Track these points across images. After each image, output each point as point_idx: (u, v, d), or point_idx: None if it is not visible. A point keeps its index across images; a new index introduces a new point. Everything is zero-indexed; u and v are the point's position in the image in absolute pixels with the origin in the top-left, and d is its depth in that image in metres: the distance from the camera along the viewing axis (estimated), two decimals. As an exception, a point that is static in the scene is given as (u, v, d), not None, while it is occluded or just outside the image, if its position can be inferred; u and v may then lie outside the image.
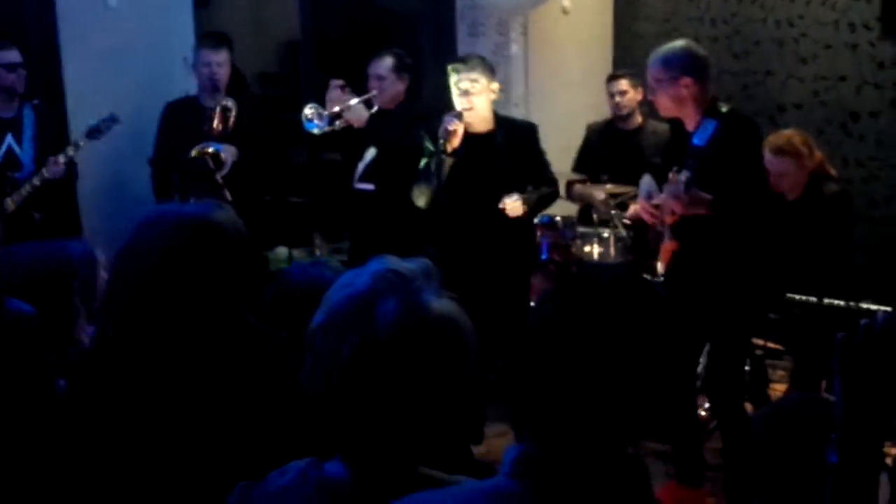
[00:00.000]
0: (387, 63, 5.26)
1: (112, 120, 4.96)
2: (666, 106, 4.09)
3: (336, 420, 1.49)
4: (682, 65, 4.02)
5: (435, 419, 1.49)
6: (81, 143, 4.93)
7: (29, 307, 2.15)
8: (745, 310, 4.13)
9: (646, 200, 4.33)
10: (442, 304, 1.50)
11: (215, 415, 1.94)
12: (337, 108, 4.91)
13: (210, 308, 1.97)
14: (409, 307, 1.46)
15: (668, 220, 4.14)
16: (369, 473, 1.49)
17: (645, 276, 4.74)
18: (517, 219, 4.63)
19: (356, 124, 4.99)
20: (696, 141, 4.05)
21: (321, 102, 4.98)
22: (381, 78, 5.23)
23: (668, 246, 4.22)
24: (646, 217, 4.37)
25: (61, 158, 4.83)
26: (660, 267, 4.45)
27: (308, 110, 4.88)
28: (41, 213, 4.83)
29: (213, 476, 1.89)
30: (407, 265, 1.54)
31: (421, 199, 4.65)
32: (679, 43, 4.19)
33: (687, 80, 3.99)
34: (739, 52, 6.51)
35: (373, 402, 1.45)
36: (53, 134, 5.10)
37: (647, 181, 4.40)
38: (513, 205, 4.58)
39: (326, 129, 4.90)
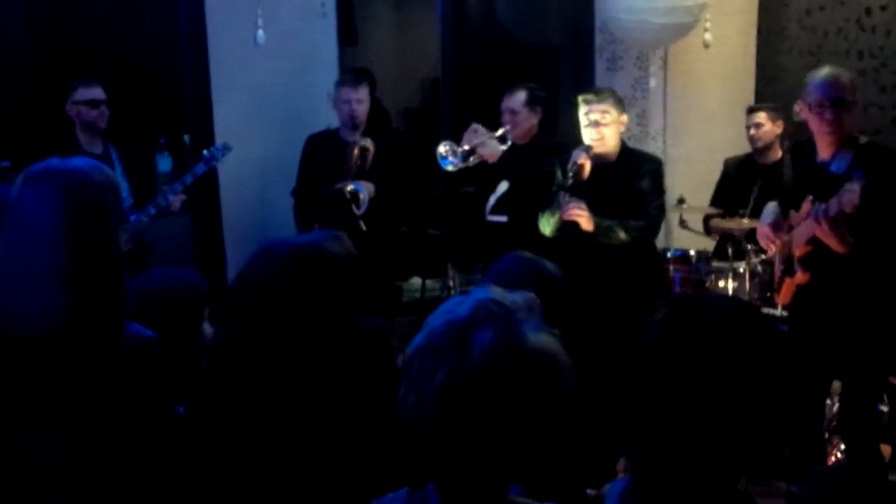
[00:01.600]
0: (520, 97, 5.30)
1: (225, 148, 5.11)
2: (845, 127, 3.94)
3: (427, 447, 1.49)
4: (854, 90, 3.98)
5: (525, 451, 1.47)
6: (198, 171, 5.06)
7: (150, 332, 2.20)
8: (881, 346, 3.98)
9: (769, 227, 4.23)
10: (540, 339, 1.48)
11: (318, 442, 1.98)
12: (469, 146, 4.98)
13: (320, 338, 2.00)
14: (505, 338, 1.45)
15: (800, 251, 4.03)
16: (460, 499, 1.49)
17: (774, 311, 4.66)
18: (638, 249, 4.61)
19: (490, 159, 5.04)
20: (833, 169, 3.94)
21: (459, 137, 5.06)
22: (514, 112, 5.28)
23: (796, 279, 4.09)
24: (764, 243, 4.29)
25: (178, 188, 4.97)
26: (780, 300, 4.31)
27: (443, 147, 4.97)
28: (152, 254, 4.94)
29: (305, 498, 1.94)
30: (510, 297, 1.54)
31: (547, 227, 4.67)
32: (841, 69, 4.10)
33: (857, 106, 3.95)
34: (887, 86, 6.30)
35: (462, 430, 1.44)
36: (140, 169, 5.21)
37: (772, 207, 4.30)
38: (577, 211, 4.51)
39: (460, 165, 4.98)
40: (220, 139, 5.71)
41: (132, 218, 4.91)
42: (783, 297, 4.24)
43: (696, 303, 1.46)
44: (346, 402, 2.03)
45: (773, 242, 4.22)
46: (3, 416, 2.06)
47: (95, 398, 2.08)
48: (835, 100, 3.89)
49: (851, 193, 3.63)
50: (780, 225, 4.21)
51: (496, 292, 1.55)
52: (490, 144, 5.03)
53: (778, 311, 4.68)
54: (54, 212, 2.09)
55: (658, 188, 4.72)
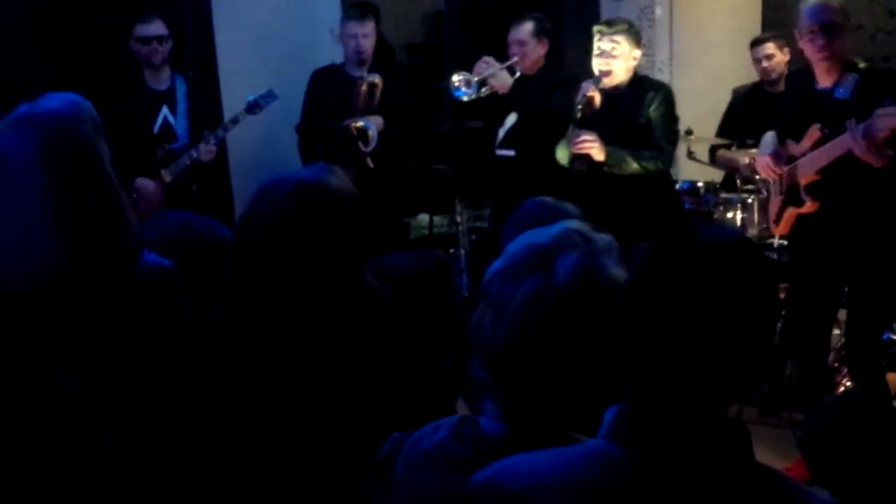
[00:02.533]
0: (527, 28, 5.26)
1: (270, 96, 5.08)
2: (841, 50, 3.92)
3: (501, 364, 1.52)
4: (845, 14, 3.95)
5: (594, 382, 1.49)
6: (241, 119, 5.06)
7: (166, 261, 2.20)
8: (889, 274, 3.98)
9: (770, 157, 4.19)
10: (619, 272, 1.52)
11: (334, 375, 1.99)
12: (484, 75, 4.96)
13: (327, 271, 2.01)
14: (589, 264, 1.50)
15: (806, 179, 4.01)
16: (527, 433, 1.51)
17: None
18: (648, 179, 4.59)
19: (501, 91, 5.01)
20: (838, 94, 3.92)
21: (465, 70, 5.03)
22: (522, 43, 5.23)
23: (804, 208, 4.05)
24: (767, 173, 4.26)
25: (212, 140, 4.96)
26: (779, 230, 4.30)
27: (456, 77, 4.94)
28: (198, 184, 5.00)
29: (329, 433, 1.95)
30: (592, 232, 1.58)
31: (564, 158, 4.66)
32: None
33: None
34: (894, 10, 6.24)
35: (538, 347, 1.47)
36: (205, 102, 5.26)
37: (770, 137, 4.26)
38: (589, 142, 4.49)
39: (474, 96, 4.95)
40: (223, 77, 5.70)
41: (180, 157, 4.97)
42: (783, 227, 4.23)
43: (679, 231, 1.46)
44: (362, 333, 2.04)
45: (775, 172, 4.18)
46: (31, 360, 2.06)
47: (113, 331, 2.08)
48: (824, 24, 3.89)
49: (893, 117, 3.57)
50: (780, 155, 4.18)
51: (580, 224, 1.59)
52: (500, 75, 4.99)
53: (776, 241, 4.69)
54: (29, 157, 2.05)
55: (669, 115, 4.68)
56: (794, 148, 4.12)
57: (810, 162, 4.00)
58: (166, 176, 4.93)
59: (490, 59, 5.05)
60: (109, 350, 2.08)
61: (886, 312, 4.18)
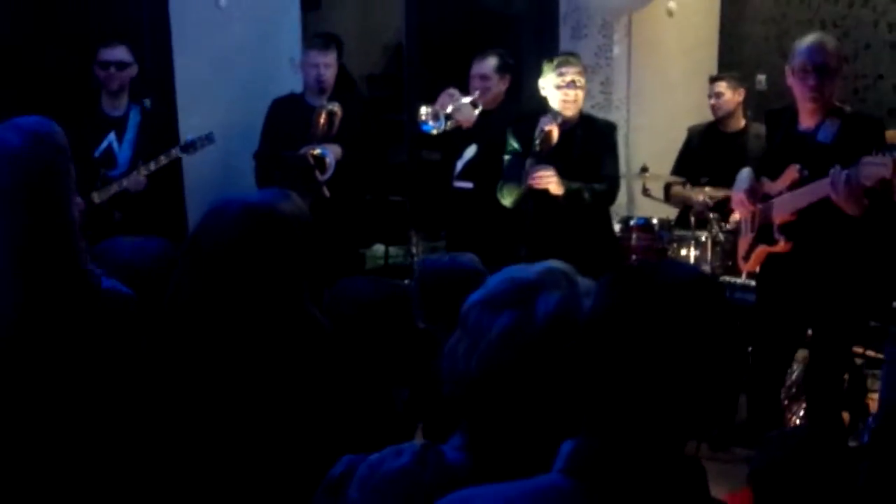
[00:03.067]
0: (490, 63, 5.30)
1: (208, 139, 5.06)
2: (829, 94, 3.92)
3: (472, 394, 1.51)
4: (839, 58, 3.97)
5: (562, 416, 1.48)
6: (174, 155, 5.02)
7: (127, 289, 2.19)
8: (853, 317, 4.02)
9: (744, 194, 4.19)
10: None
11: (269, 402, 1.97)
12: (450, 108, 4.97)
13: (268, 296, 2.00)
14: (570, 306, 1.50)
15: (780, 219, 4.02)
16: (490, 464, 1.50)
17: (736, 279, 4.70)
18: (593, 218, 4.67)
19: (465, 124, 5.03)
20: (820, 138, 3.94)
21: (423, 103, 5.04)
22: (485, 78, 5.28)
23: (776, 247, 4.06)
24: (740, 209, 4.28)
25: (151, 166, 4.92)
26: (747, 267, 4.33)
27: (423, 111, 4.92)
28: (138, 212, 4.91)
29: (264, 461, 1.93)
30: (576, 275, 1.58)
31: (507, 198, 4.72)
32: (829, 36, 4.14)
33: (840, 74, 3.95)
34: (850, 55, 6.35)
35: (510, 384, 1.47)
36: (156, 134, 5.20)
37: (746, 174, 4.26)
38: (546, 176, 4.52)
39: (442, 129, 4.95)
40: (181, 103, 5.66)
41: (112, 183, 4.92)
42: (752, 263, 4.24)
43: (640, 267, 1.47)
44: (301, 361, 2.02)
45: (748, 209, 4.20)
46: None
47: (76, 359, 2.07)
48: (819, 66, 3.87)
49: (881, 167, 3.54)
50: (755, 191, 4.18)
51: (565, 266, 1.59)
52: (465, 109, 5.01)
53: (741, 279, 4.73)
54: None
55: (615, 152, 4.82)
56: (769, 186, 4.12)
57: (787, 202, 4.00)
58: (95, 198, 4.87)
59: (454, 92, 5.07)
60: (71, 379, 2.06)
61: (848, 353, 4.22)
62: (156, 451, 2.02)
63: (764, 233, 4.14)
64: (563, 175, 4.57)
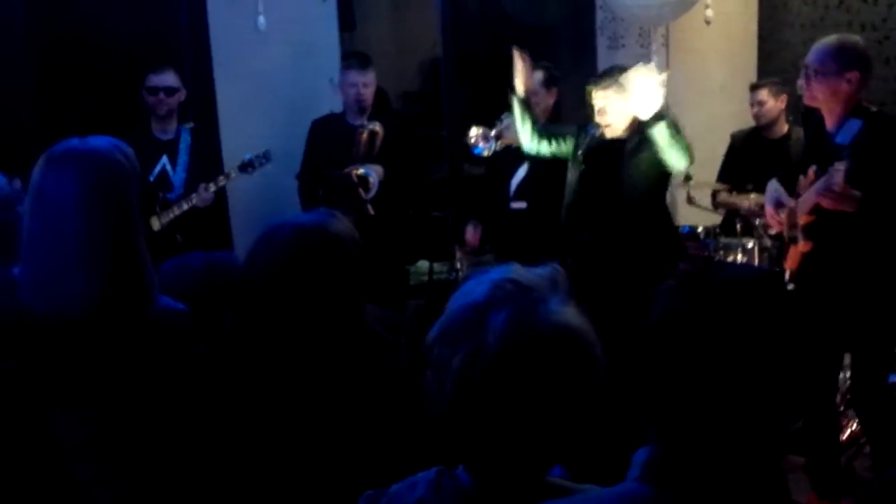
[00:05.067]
0: (537, 77, 5.27)
1: (265, 157, 5.12)
2: (816, 96, 3.94)
3: (455, 429, 1.48)
4: (853, 59, 3.91)
5: (554, 427, 1.45)
6: (234, 175, 5.10)
7: (181, 305, 2.22)
8: (888, 315, 3.98)
9: (773, 207, 4.19)
10: (561, 314, 1.45)
11: (334, 421, 1.98)
12: (497, 130, 4.97)
13: (329, 315, 2.01)
14: (519, 318, 1.43)
15: (803, 220, 4.01)
16: (492, 482, 1.48)
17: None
18: (651, 223, 4.59)
19: (514, 143, 5.01)
20: (839, 139, 3.92)
21: (463, 119, 5.05)
22: (533, 93, 5.25)
23: (799, 247, 4.07)
24: (772, 224, 4.27)
25: (212, 187, 5.00)
26: (787, 265, 4.30)
27: (473, 133, 4.92)
28: (184, 236, 4.98)
29: (331, 480, 1.93)
30: (530, 274, 1.51)
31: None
32: (852, 37, 4.10)
33: (852, 75, 3.87)
34: (891, 58, 6.28)
35: (482, 414, 1.43)
36: (206, 155, 5.28)
37: (773, 186, 4.26)
38: None
39: (493, 149, 4.95)
40: (223, 127, 5.72)
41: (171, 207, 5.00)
42: (790, 262, 4.23)
43: (706, 269, 1.45)
44: (364, 380, 2.03)
45: (781, 223, 4.18)
46: (42, 397, 2.07)
47: (130, 371, 2.11)
48: (806, 67, 3.94)
49: (837, 173, 3.63)
50: (783, 202, 4.17)
51: (515, 271, 1.52)
52: (514, 127, 4.99)
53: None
54: (76, 193, 2.11)
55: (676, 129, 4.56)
56: (801, 187, 4.12)
57: (803, 203, 4.01)
58: (154, 223, 4.93)
59: (504, 116, 5.06)
60: (123, 393, 2.10)
61: (890, 355, 4.17)
62: (217, 474, 2.03)
63: (794, 233, 4.15)
64: (614, 190, 4.54)
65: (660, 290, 1.45)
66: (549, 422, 1.43)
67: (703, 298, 1.37)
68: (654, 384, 1.37)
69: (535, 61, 5.36)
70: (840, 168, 3.65)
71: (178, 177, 5.15)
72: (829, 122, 4.00)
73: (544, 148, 4.77)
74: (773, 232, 4.97)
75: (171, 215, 4.99)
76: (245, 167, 5.11)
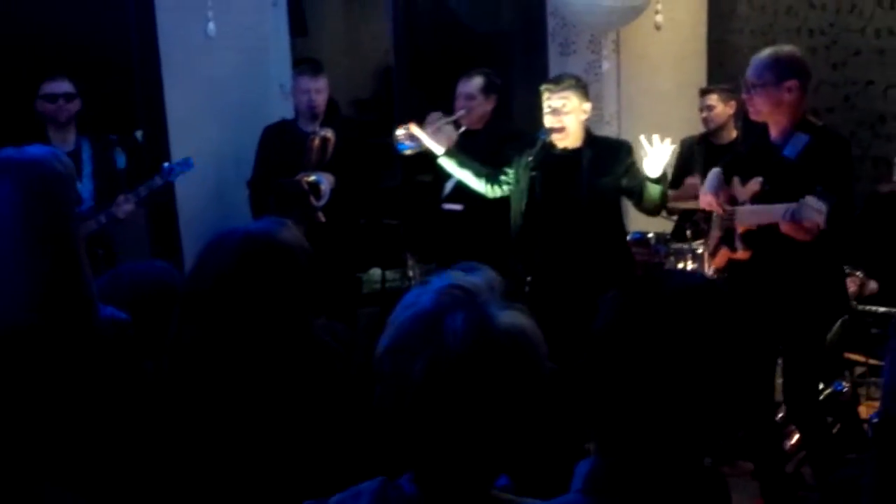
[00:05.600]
0: (476, 83, 5.31)
1: (186, 164, 5.00)
2: (760, 109, 3.97)
3: (407, 440, 1.46)
4: (790, 68, 3.94)
5: (505, 433, 1.45)
6: (156, 185, 4.93)
7: (124, 314, 2.20)
8: (817, 328, 4.03)
9: (713, 194, 4.18)
10: (508, 316, 1.45)
11: (280, 429, 1.97)
12: (429, 128, 4.95)
13: (276, 324, 1.99)
14: (477, 320, 1.42)
15: (741, 228, 4.06)
16: (439, 493, 1.47)
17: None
18: (606, 235, 4.60)
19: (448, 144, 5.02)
20: (786, 153, 3.95)
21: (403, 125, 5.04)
22: (469, 97, 5.28)
23: (737, 255, 4.11)
24: (711, 208, 4.25)
25: (131, 198, 4.83)
26: (713, 263, 4.33)
27: (399, 132, 4.93)
28: (104, 249, 4.82)
29: (275, 488, 1.92)
30: (469, 278, 1.51)
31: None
32: (786, 47, 4.13)
33: (792, 84, 3.90)
34: (838, 63, 6.37)
35: (446, 419, 1.42)
36: (111, 167, 5.12)
37: (715, 174, 4.26)
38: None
39: (417, 149, 4.93)
40: (173, 134, 5.66)
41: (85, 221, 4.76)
42: (717, 261, 4.28)
43: (646, 279, 1.45)
44: (311, 389, 2.02)
45: (718, 208, 4.21)
46: None
47: (74, 382, 2.07)
48: (746, 82, 3.98)
49: (817, 214, 3.59)
50: (724, 191, 4.20)
51: (456, 277, 1.51)
52: (445, 130, 5.00)
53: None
54: (11, 203, 2.08)
55: (632, 168, 4.63)
56: (737, 190, 4.15)
57: (748, 215, 4.04)
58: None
59: (437, 114, 5.07)
60: (68, 402, 2.06)
61: (821, 365, 4.19)
62: (160, 483, 2.01)
63: (727, 236, 4.19)
64: (568, 199, 4.52)
65: (604, 298, 1.45)
66: (500, 426, 1.43)
67: (645, 307, 1.37)
68: (597, 392, 1.38)
69: (475, 67, 5.40)
70: (822, 210, 3.58)
71: (85, 188, 4.93)
72: (775, 133, 4.03)
73: (500, 190, 4.77)
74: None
75: (88, 230, 4.69)
76: (166, 174, 4.95)
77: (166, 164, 5.01)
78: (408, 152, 4.95)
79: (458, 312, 1.43)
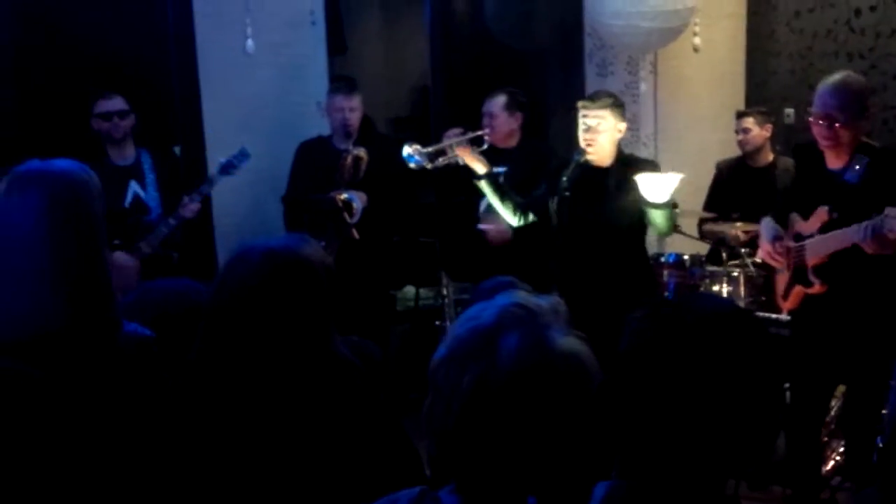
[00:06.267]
0: (499, 101, 5.34)
1: (243, 155, 5.05)
2: (843, 142, 3.86)
3: (452, 451, 1.47)
4: (866, 96, 3.92)
5: (552, 456, 1.45)
6: (216, 179, 5.05)
7: (147, 330, 2.21)
8: (887, 356, 3.96)
9: (770, 243, 4.16)
10: (567, 342, 1.46)
11: (302, 444, 1.97)
12: (438, 146, 4.93)
13: (297, 340, 2.00)
14: (532, 341, 1.44)
15: (813, 261, 3.96)
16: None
17: (770, 314, 4.62)
18: (627, 255, 4.58)
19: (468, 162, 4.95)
20: (847, 178, 3.89)
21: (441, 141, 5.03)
22: (492, 116, 5.31)
23: (813, 290, 4.01)
24: (772, 261, 4.21)
25: (196, 197, 4.94)
26: (786, 306, 4.27)
27: (415, 146, 4.88)
28: (178, 252, 4.96)
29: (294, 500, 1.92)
30: (535, 300, 1.52)
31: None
32: (851, 74, 4.04)
33: (869, 113, 3.90)
34: (878, 87, 6.31)
35: (491, 435, 1.42)
36: (174, 174, 5.22)
37: (768, 223, 4.23)
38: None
39: (425, 165, 4.89)
40: (210, 149, 5.70)
41: (156, 228, 4.94)
42: (791, 302, 4.17)
43: (674, 301, 1.44)
44: (331, 405, 2.02)
45: (776, 259, 4.15)
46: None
47: (96, 395, 2.09)
48: (825, 116, 3.83)
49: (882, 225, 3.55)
50: (781, 237, 4.14)
51: (521, 296, 1.53)
52: (462, 147, 4.95)
53: (774, 315, 4.65)
54: (38, 214, 2.10)
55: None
56: (800, 226, 4.07)
57: (819, 245, 3.94)
58: (145, 248, 4.87)
59: (456, 130, 5.05)
60: (91, 416, 2.07)
61: (882, 392, 4.14)
62: (178, 495, 2.02)
63: (799, 273, 4.08)
64: (599, 220, 4.51)
65: (629, 318, 1.44)
66: (547, 447, 1.43)
67: (672, 330, 1.36)
68: (620, 414, 1.37)
69: (500, 86, 5.44)
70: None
71: (151, 197, 5.08)
72: (835, 162, 3.95)
73: (530, 218, 4.77)
74: (758, 260, 4.95)
75: (161, 235, 4.90)
76: (225, 169, 5.03)
77: (223, 160, 5.06)
78: (412, 165, 4.89)
79: (516, 331, 1.45)
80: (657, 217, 4.41)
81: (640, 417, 1.34)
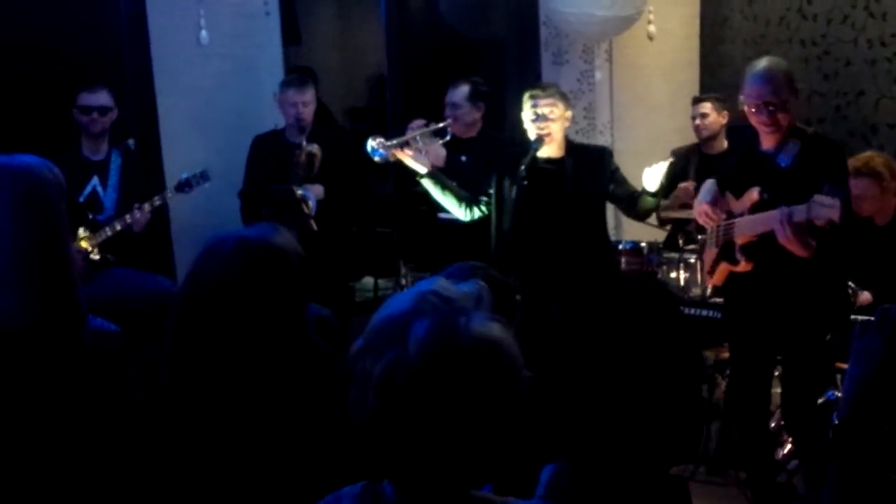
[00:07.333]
0: (462, 91, 5.33)
1: (203, 177, 5.02)
2: (783, 125, 3.92)
3: (376, 441, 1.47)
4: (794, 80, 3.98)
5: (477, 442, 1.44)
6: (170, 196, 4.99)
7: (113, 325, 2.20)
8: (818, 339, 4.02)
9: (708, 205, 4.20)
10: (483, 328, 1.44)
11: (277, 433, 1.97)
12: (401, 139, 4.91)
13: (272, 328, 1.99)
14: (442, 328, 1.42)
15: (742, 240, 4.05)
16: (416, 497, 1.46)
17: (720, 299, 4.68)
18: (588, 241, 4.63)
19: (433, 161, 4.96)
20: (780, 161, 3.96)
21: (404, 133, 5.02)
22: (456, 106, 5.30)
23: (738, 267, 4.09)
24: (703, 220, 4.27)
25: (146, 207, 4.85)
26: (711, 281, 4.34)
27: (378, 139, 4.88)
28: (115, 256, 4.81)
29: (272, 494, 1.91)
30: (454, 287, 1.51)
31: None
32: (775, 59, 4.12)
33: (798, 95, 3.95)
34: (830, 73, 6.39)
35: (403, 424, 1.42)
36: (138, 176, 5.16)
37: (710, 185, 4.29)
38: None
39: (391, 158, 4.87)
40: (165, 142, 5.66)
41: (101, 229, 4.84)
42: (717, 278, 4.27)
43: (590, 283, 1.47)
44: (307, 393, 2.01)
45: (712, 220, 4.21)
46: None
47: (63, 391, 2.07)
48: (766, 102, 3.89)
49: (830, 209, 3.58)
50: (719, 203, 4.20)
51: (440, 284, 1.51)
52: (433, 147, 4.97)
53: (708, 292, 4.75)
54: (2, 207, 2.08)
55: (618, 169, 4.73)
56: (733, 203, 4.15)
57: (748, 225, 4.03)
58: (84, 244, 4.78)
59: (421, 122, 5.05)
60: (58, 412, 2.06)
61: (820, 375, 4.18)
62: (151, 487, 2.01)
63: (726, 250, 4.16)
64: (557, 210, 4.55)
65: (551, 306, 1.47)
66: (470, 435, 1.42)
67: (582, 310, 1.41)
68: (557, 398, 1.39)
69: (463, 76, 5.43)
70: (836, 205, 3.56)
71: (108, 197, 5.04)
72: (769, 143, 4.02)
73: (480, 212, 4.80)
74: (701, 237, 4.99)
75: (104, 236, 4.82)
76: (182, 187, 5.00)
77: (183, 176, 5.02)
78: (377, 159, 4.88)
79: (427, 319, 1.43)
80: (649, 202, 4.60)
81: (573, 399, 1.37)
